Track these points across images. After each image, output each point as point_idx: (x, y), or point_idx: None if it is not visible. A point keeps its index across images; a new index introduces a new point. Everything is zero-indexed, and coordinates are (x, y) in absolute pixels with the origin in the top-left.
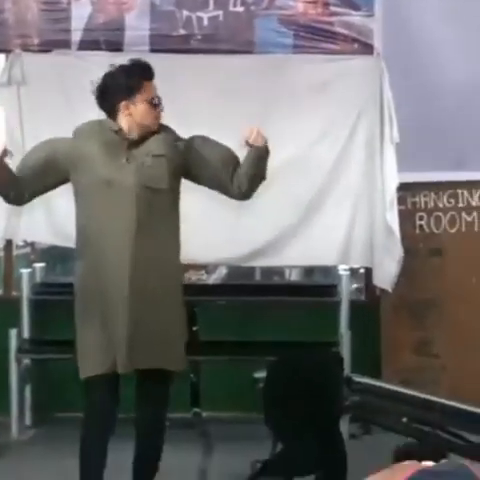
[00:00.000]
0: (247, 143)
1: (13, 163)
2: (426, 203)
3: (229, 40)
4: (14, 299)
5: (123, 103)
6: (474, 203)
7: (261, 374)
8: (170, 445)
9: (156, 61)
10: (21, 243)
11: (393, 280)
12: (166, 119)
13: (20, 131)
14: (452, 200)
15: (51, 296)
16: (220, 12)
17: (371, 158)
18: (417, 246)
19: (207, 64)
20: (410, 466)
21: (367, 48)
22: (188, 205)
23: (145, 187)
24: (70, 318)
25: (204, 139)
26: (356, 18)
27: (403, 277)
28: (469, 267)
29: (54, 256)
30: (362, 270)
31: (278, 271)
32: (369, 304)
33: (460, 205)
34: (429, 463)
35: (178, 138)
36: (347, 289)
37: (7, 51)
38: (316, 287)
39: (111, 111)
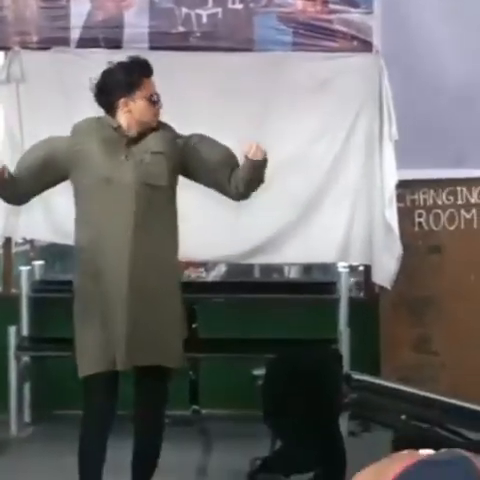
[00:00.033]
0: (246, 158)
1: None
2: (425, 200)
3: (228, 38)
4: (13, 297)
5: (122, 100)
6: (473, 200)
7: (260, 371)
8: (169, 442)
9: (155, 58)
10: (20, 241)
11: (392, 277)
12: (165, 117)
13: (19, 128)
14: (451, 197)
15: (50, 294)
16: (219, 9)
17: (370, 155)
18: (416, 243)
19: (206, 62)
20: (408, 456)
21: (366, 45)
22: (187, 203)
23: (144, 184)
24: (69, 316)
25: (203, 138)
26: (355, 15)
27: (402, 274)
28: (468, 264)
29: (53, 254)
30: (361, 267)
31: (277, 268)
32: (368, 301)
33: (459, 202)
34: (428, 451)
35: (177, 135)
36: (346, 286)
37: (6, 48)
38: (315, 284)
39: (110, 108)
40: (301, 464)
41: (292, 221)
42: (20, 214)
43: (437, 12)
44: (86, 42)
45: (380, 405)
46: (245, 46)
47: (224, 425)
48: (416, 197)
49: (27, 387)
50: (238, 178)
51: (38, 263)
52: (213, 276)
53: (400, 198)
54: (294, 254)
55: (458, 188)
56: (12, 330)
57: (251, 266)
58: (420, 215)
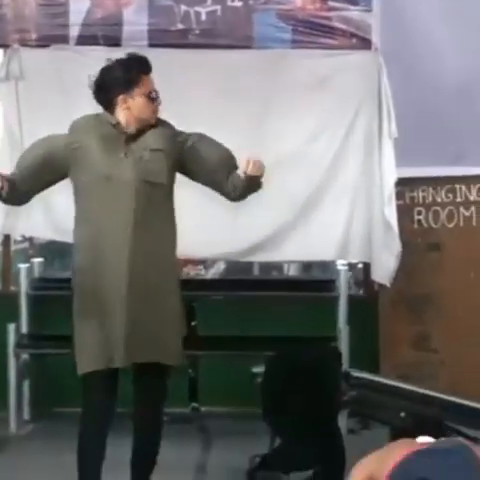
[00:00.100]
0: (245, 174)
1: (12, 159)
2: (424, 198)
3: (227, 35)
4: (12, 294)
5: (121, 97)
6: (472, 198)
7: (259, 369)
8: (168, 440)
9: (154, 56)
10: (19, 238)
11: (391, 275)
12: (164, 114)
13: (18, 126)
14: (450, 195)
15: (49, 291)
16: (218, 7)
17: (369, 153)
18: (415, 241)
19: (205, 59)
20: (406, 445)
21: (365, 43)
22: (187, 200)
23: (144, 181)
24: (68, 313)
25: (202, 137)
26: (354, 13)
27: (401, 272)
28: (467, 262)
29: (52, 251)
30: (360, 265)
31: (276, 266)
32: (367, 299)
33: (458, 200)
34: (427, 439)
35: (176, 132)
36: (345, 284)
37: (5, 46)
38: (314, 282)
39: (109, 105)
40: (300, 461)
41: (291, 219)
42: (19, 212)
43: (436, 10)
44: (85, 40)
45: (379, 403)
46: (244, 43)
47: (223, 423)
48: (415, 195)
49: (26, 384)
50: (235, 183)
51: (37, 260)
52: (212, 274)
53: (399, 196)
54: (293, 252)
55: (457, 186)
56: (11, 327)
57: (250, 264)
58: (419, 213)
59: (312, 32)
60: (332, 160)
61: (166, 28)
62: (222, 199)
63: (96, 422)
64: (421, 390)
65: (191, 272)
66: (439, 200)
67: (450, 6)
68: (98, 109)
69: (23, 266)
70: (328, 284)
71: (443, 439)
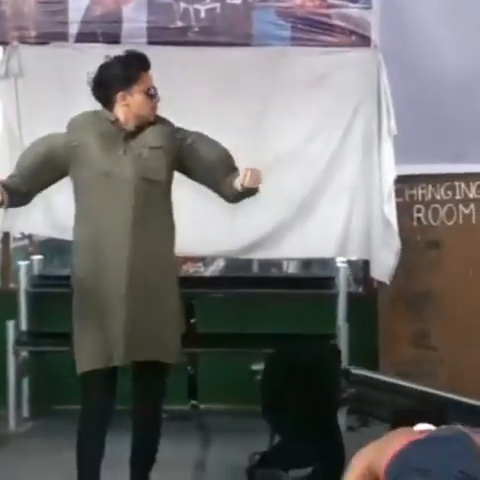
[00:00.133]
0: (242, 186)
1: (11, 157)
2: (423, 195)
3: (227, 32)
4: (12, 291)
5: (120, 94)
6: (471, 195)
7: (259, 366)
8: (167, 437)
9: (153, 53)
10: (19, 235)
11: (391, 272)
12: (163, 111)
13: (17, 124)
14: (449, 192)
15: (49, 288)
16: (217, 4)
17: (368, 150)
18: (415, 238)
19: (204, 57)
20: (404, 434)
21: (364, 40)
22: (186, 198)
23: (143, 179)
24: (68, 310)
25: (201, 136)
26: (353, 10)
27: (401, 269)
28: (467, 259)
29: (52, 248)
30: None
31: (276, 263)
32: (367, 296)
33: (457, 197)
34: (426, 426)
35: (175, 129)
36: (345, 281)
37: (4, 43)
38: (314, 279)
39: (107, 102)
40: (300, 459)
41: (291, 216)
42: (18, 210)
43: (436, 7)
44: (84, 37)
45: (378, 400)
46: (243, 41)
47: (222, 420)
48: (414, 192)
49: (26, 382)
50: (232, 188)
51: (37, 258)
52: (211, 271)
53: (399, 193)
54: (293, 249)
55: (456, 183)
56: (11, 325)
57: (249, 261)
58: (419, 210)
59: (311, 29)
60: (331, 157)
61: (165, 25)
62: None
63: (95, 420)
64: (420, 388)
65: (190, 269)
66: (438, 198)
67: (450, 4)
68: (97, 106)
69: (23, 263)
70: (327, 281)
71: (443, 427)
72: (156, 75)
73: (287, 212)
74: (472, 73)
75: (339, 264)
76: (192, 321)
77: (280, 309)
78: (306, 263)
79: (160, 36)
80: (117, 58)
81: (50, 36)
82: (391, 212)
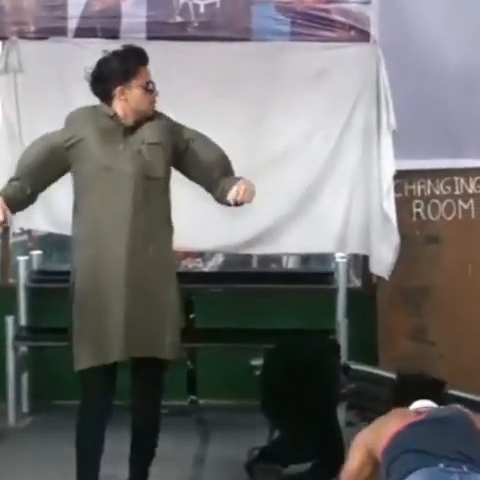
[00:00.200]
0: (235, 202)
1: (10, 151)
2: (423, 190)
3: (226, 27)
4: (11, 286)
5: (119, 88)
6: (471, 190)
7: (258, 361)
8: (167, 432)
9: (153, 48)
10: (18, 231)
11: (390, 267)
12: (162, 106)
13: (17, 118)
14: (449, 187)
15: (48, 284)
16: None
17: (368, 145)
18: (414, 233)
19: (204, 51)
20: (401, 416)
21: (364, 35)
22: (186, 193)
23: (143, 175)
24: (67, 305)
25: (198, 135)
26: (353, 5)
27: (400, 264)
28: (465, 254)
29: (51, 244)
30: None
31: (275, 259)
32: (366, 292)
33: (457, 192)
34: (425, 404)
35: (173, 124)
36: (344, 277)
37: (3, 38)
38: (313, 275)
39: (106, 97)
40: (299, 454)
41: (290, 211)
42: None
43: (435, 2)
44: (84, 32)
45: (378, 395)
46: (243, 36)
47: (222, 415)
48: (414, 187)
49: (25, 377)
50: (224, 196)
51: (36, 253)
52: (210, 266)
53: (398, 188)
54: (292, 244)
55: (456, 178)
56: (10, 320)
57: (249, 256)
58: (418, 205)
59: (311, 24)
60: (330, 153)
61: (165, 20)
62: None
63: (94, 415)
64: None
65: (189, 265)
66: (437, 193)
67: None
68: (96, 101)
69: (22, 259)
70: (327, 277)
71: (441, 407)
72: (155, 70)
73: (286, 207)
74: (472, 67)
75: (338, 259)
76: (191, 316)
77: (279, 304)
78: (305, 258)
79: (159, 31)
80: (115, 53)
81: (49, 31)
82: (390, 207)
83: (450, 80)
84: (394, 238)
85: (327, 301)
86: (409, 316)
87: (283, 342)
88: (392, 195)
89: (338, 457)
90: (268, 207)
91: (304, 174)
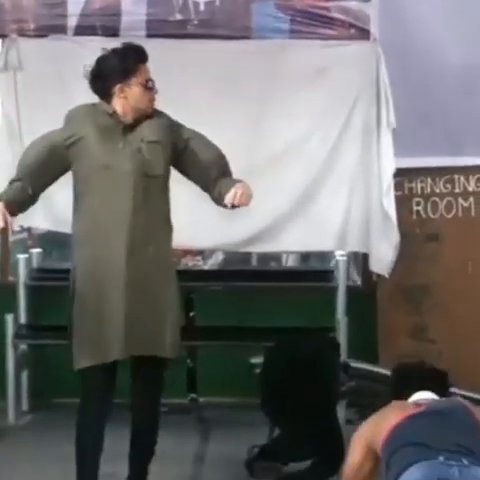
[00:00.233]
0: (233, 206)
1: (10, 149)
2: (423, 188)
3: (226, 25)
4: (11, 284)
5: (118, 86)
6: (471, 188)
7: (258, 359)
8: (167, 430)
9: (152, 46)
10: (18, 228)
11: (390, 265)
12: (162, 104)
13: (16, 116)
14: (449, 185)
15: (48, 281)
16: None
17: (368, 143)
18: (414, 231)
19: (204, 49)
20: (400, 408)
21: (364, 33)
22: (185, 191)
23: (143, 174)
24: (67, 303)
25: (196, 134)
26: (353, 3)
27: (400, 262)
28: (465, 252)
29: (51, 242)
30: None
31: (275, 257)
32: (366, 289)
33: (457, 190)
34: (425, 396)
35: (172, 123)
36: (344, 274)
37: (3, 36)
38: (313, 272)
39: (105, 94)
40: (299, 452)
41: (290, 209)
42: None
43: (435, 0)
44: (83, 30)
45: (377, 393)
46: (243, 34)
47: (222, 413)
48: (414, 185)
49: (25, 375)
50: (221, 198)
51: (36, 251)
52: (210, 264)
53: (398, 186)
54: (292, 242)
55: (455, 176)
56: (10, 318)
57: (249, 254)
58: (418, 203)
59: (310, 22)
60: (330, 151)
61: (164, 18)
62: None
63: (94, 414)
64: None
65: (189, 263)
66: (437, 191)
67: None
68: (96, 99)
69: (21, 257)
70: (327, 274)
71: (442, 399)
72: (155, 68)
73: (286, 205)
74: (471, 66)
75: (338, 257)
76: (191, 314)
77: (279, 302)
78: (305, 256)
79: (159, 29)
80: (115, 50)
81: (49, 29)
82: (390, 205)
83: (450, 78)
84: (394, 236)
85: (327, 299)
86: (409, 314)
87: (283, 340)
88: (392, 193)
89: (338, 455)
90: (268, 205)
91: (304, 172)
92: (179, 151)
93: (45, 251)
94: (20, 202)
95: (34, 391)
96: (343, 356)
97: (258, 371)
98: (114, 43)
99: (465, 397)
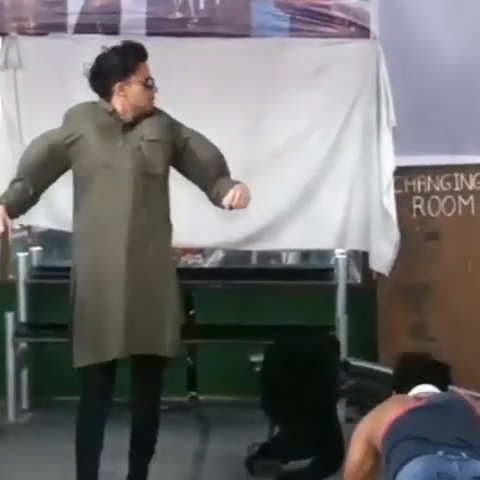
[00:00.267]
0: (230, 207)
1: (10, 147)
2: (423, 187)
3: (226, 23)
4: (11, 283)
5: (118, 84)
6: (471, 187)
7: (258, 358)
8: (167, 429)
9: (152, 44)
10: (18, 227)
11: (390, 264)
12: (161, 102)
13: (16, 114)
14: (449, 184)
15: (48, 280)
16: None
17: (368, 142)
18: (414, 230)
19: (204, 48)
20: (399, 402)
21: (364, 32)
22: (184, 189)
23: (143, 173)
24: (67, 301)
25: (195, 133)
26: (353, 1)
27: (400, 261)
28: (465, 251)
29: (51, 240)
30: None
31: (275, 255)
32: (366, 288)
33: (456, 189)
34: (425, 389)
35: (172, 122)
36: (344, 273)
37: (3, 34)
38: (313, 271)
39: (105, 93)
40: (299, 450)
41: (290, 207)
42: None
43: None
44: (83, 28)
45: (378, 391)
46: (243, 32)
47: (222, 411)
48: (414, 183)
49: (25, 373)
50: (219, 199)
51: (36, 249)
52: (210, 262)
53: (398, 184)
54: (292, 241)
55: (455, 174)
56: (10, 316)
57: (248, 252)
58: (418, 201)
59: (310, 21)
60: (330, 149)
61: (164, 16)
62: None
63: (94, 412)
64: None
65: (189, 261)
66: (437, 189)
67: None
68: (96, 97)
69: (21, 255)
70: (326, 273)
71: (441, 393)
72: (154, 66)
73: (286, 203)
74: (471, 64)
75: (338, 255)
76: (191, 312)
77: (279, 301)
78: (305, 255)
79: (159, 27)
80: (114, 49)
81: (49, 27)
82: (390, 203)
83: (450, 76)
84: (394, 234)
85: (327, 297)
86: (409, 312)
87: (283, 338)
88: (392, 191)
89: (338, 453)
90: (268, 203)
91: (304, 170)
92: (178, 150)
93: (45, 249)
94: (21, 204)
95: (34, 389)
96: (343, 354)
97: (258, 369)
98: (114, 41)
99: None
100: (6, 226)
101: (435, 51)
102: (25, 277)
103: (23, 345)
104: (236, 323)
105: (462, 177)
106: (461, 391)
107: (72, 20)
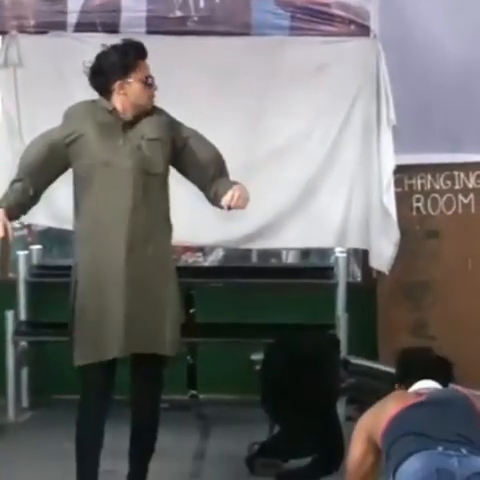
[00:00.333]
0: (229, 208)
1: (10, 145)
2: (423, 185)
3: (226, 22)
4: (11, 281)
5: (118, 83)
6: (471, 185)
7: (258, 356)
8: (167, 427)
9: (152, 43)
10: (18, 225)
11: (390, 262)
12: (161, 100)
13: (16, 113)
14: (449, 182)
15: (48, 278)
16: None
17: (368, 140)
18: (414, 228)
19: (204, 46)
20: (399, 398)
21: (364, 30)
22: (184, 188)
23: (143, 171)
24: (67, 300)
25: (195, 134)
26: (353, 0)
27: (400, 259)
28: (465, 249)
29: (51, 238)
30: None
31: (275, 253)
32: (366, 286)
33: (457, 187)
34: (426, 385)
35: (172, 121)
36: (344, 271)
37: (3, 33)
38: (313, 269)
39: (105, 91)
40: (299, 449)
41: (290, 206)
42: None
43: None
44: (83, 26)
45: (378, 389)
46: (242, 30)
47: (222, 410)
48: (413, 182)
49: (25, 372)
50: (218, 200)
51: (36, 248)
52: (211, 261)
53: (398, 183)
54: (292, 239)
55: (455, 173)
56: (9, 315)
57: (249, 251)
58: (418, 200)
59: (311, 19)
60: (330, 147)
61: (164, 15)
62: None
63: (94, 411)
64: None
65: (190, 259)
66: (437, 187)
67: None
68: (96, 95)
69: (21, 253)
70: (327, 271)
71: (442, 389)
72: (154, 64)
73: (286, 202)
74: (471, 62)
75: (338, 254)
76: (191, 311)
77: (279, 299)
78: (305, 253)
79: (159, 25)
80: (114, 47)
81: (49, 25)
82: (390, 202)
83: (450, 75)
84: (394, 233)
85: (327, 296)
86: (409, 311)
87: (283, 337)
88: (392, 190)
89: (338, 452)
90: (268, 202)
91: (304, 169)
92: (178, 149)
93: (45, 248)
94: (21, 205)
95: (34, 388)
96: (343, 353)
97: (258, 368)
98: (114, 40)
99: None
100: (6, 229)
101: (435, 49)
102: (25, 275)
103: (23, 344)
104: (236, 321)
105: (462, 175)
106: (463, 389)
107: (72, 18)
